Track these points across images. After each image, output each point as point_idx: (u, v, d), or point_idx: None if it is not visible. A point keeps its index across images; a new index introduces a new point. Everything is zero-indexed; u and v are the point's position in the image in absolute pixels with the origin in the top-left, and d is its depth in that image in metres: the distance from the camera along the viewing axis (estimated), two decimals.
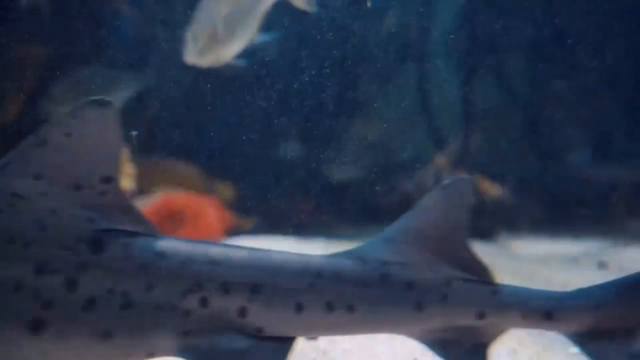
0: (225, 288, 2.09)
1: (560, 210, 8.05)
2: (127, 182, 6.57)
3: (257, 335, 2.11)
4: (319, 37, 6.73)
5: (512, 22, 8.22)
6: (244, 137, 6.93)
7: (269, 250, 2.24)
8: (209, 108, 7.24)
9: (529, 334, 3.34)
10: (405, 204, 8.37)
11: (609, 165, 8.68)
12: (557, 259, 6.25)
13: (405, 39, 8.30)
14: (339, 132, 8.06)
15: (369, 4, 6.74)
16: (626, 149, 8.68)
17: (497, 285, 2.31)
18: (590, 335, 2.36)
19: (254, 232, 6.73)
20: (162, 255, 2.09)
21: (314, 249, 6.36)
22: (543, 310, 2.31)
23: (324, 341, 3.09)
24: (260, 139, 7.03)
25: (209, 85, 6.74)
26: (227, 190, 7.19)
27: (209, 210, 6.32)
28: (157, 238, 2.15)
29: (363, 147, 8.24)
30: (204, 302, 2.06)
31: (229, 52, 4.84)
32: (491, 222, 7.74)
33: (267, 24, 6.71)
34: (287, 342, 2.13)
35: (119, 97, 7.01)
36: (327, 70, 6.79)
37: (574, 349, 3.06)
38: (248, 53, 5.59)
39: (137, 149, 6.70)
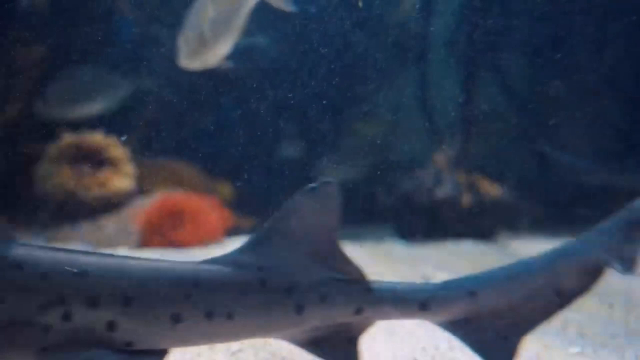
0: (92, 301, 1.98)
1: (560, 210, 8.06)
2: (127, 182, 6.57)
3: (127, 349, 2.02)
4: (317, 38, 6.73)
5: (512, 22, 8.22)
6: (243, 137, 6.93)
7: (143, 259, 2.17)
8: (209, 108, 7.24)
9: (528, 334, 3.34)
10: (406, 203, 8.37)
11: (609, 166, 8.69)
12: None
13: (404, 40, 8.31)
14: (339, 132, 8.07)
15: (360, 4, 6.76)
16: (626, 149, 8.68)
17: (370, 281, 2.38)
18: (466, 322, 2.44)
19: (253, 232, 6.72)
20: (19, 265, 1.95)
21: None
22: (417, 301, 2.39)
23: None
24: (260, 139, 7.04)
25: (209, 86, 6.75)
26: (227, 190, 7.19)
27: (209, 210, 6.32)
28: (15, 246, 2.00)
29: (363, 147, 8.25)
30: (66, 316, 1.95)
31: (217, 54, 4.91)
32: (491, 222, 7.74)
33: (264, 26, 6.72)
34: (158, 355, 2.08)
35: (113, 97, 7.01)
36: (327, 72, 6.79)
37: (574, 349, 3.07)
38: (242, 54, 5.61)
39: (136, 149, 6.71)
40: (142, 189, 6.69)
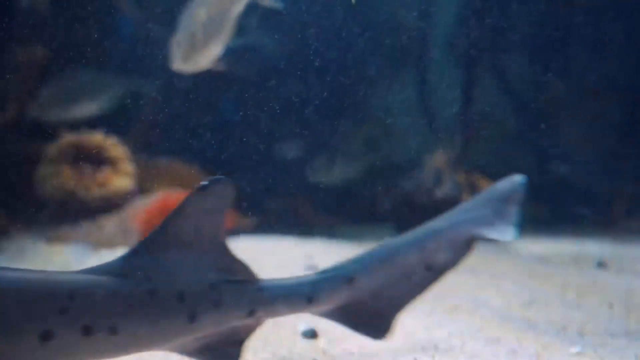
0: None
1: (560, 210, 8.06)
2: (127, 181, 6.58)
3: None
4: (316, 39, 6.73)
5: (511, 22, 8.22)
6: (244, 137, 6.94)
7: (8, 270, 1.94)
8: (209, 108, 7.25)
9: (528, 334, 3.34)
10: (406, 203, 8.39)
11: (609, 166, 8.69)
12: (557, 259, 6.25)
13: (404, 40, 8.31)
14: (339, 132, 8.07)
15: (353, 1, 6.78)
16: (626, 149, 8.69)
17: (260, 280, 2.34)
18: (345, 308, 2.50)
19: (254, 232, 6.73)
20: None
21: (314, 249, 6.36)
22: (305, 296, 2.41)
23: (323, 341, 3.09)
24: (261, 139, 7.04)
25: (208, 86, 6.75)
26: None
27: None
28: None
29: (363, 148, 8.25)
30: None
31: (209, 56, 4.97)
32: None
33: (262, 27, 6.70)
34: None
35: (112, 97, 7.02)
36: (326, 72, 6.79)
37: (574, 349, 3.06)
38: (239, 55, 5.63)
39: (136, 148, 6.72)
40: (142, 189, 6.69)
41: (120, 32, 7.40)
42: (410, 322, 3.50)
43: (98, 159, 6.56)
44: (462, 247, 2.59)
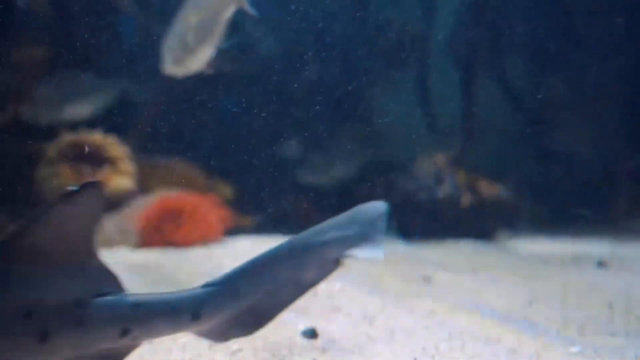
0: None
1: (560, 210, 8.07)
2: (127, 181, 6.57)
3: None
4: (317, 39, 6.73)
5: (511, 22, 8.23)
6: (243, 137, 6.94)
7: None
8: (209, 108, 7.25)
9: (528, 334, 3.34)
10: (406, 203, 8.38)
11: (609, 166, 8.69)
12: (557, 259, 6.25)
13: (404, 40, 8.32)
14: (338, 132, 8.08)
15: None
16: (626, 149, 8.69)
17: (136, 295, 2.11)
18: (224, 323, 2.32)
19: (254, 232, 6.73)
20: None
21: None
22: (189, 312, 2.19)
23: (323, 340, 3.09)
24: (261, 139, 7.05)
25: (209, 86, 6.75)
26: (227, 190, 7.19)
27: (208, 209, 6.32)
28: None
29: (363, 148, 8.25)
30: None
31: (199, 60, 5.00)
32: (491, 222, 7.74)
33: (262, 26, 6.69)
34: None
35: (106, 98, 7.02)
36: (326, 72, 6.79)
37: (574, 349, 3.06)
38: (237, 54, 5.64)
39: (136, 148, 6.71)
40: (142, 189, 6.69)
41: (120, 31, 7.40)
42: (411, 322, 3.50)
43: (98, 159, 6.55)
44: (330, 266, 2.56)
